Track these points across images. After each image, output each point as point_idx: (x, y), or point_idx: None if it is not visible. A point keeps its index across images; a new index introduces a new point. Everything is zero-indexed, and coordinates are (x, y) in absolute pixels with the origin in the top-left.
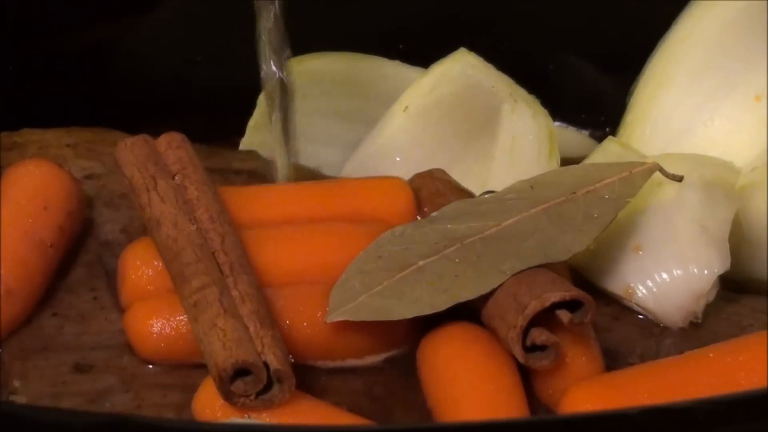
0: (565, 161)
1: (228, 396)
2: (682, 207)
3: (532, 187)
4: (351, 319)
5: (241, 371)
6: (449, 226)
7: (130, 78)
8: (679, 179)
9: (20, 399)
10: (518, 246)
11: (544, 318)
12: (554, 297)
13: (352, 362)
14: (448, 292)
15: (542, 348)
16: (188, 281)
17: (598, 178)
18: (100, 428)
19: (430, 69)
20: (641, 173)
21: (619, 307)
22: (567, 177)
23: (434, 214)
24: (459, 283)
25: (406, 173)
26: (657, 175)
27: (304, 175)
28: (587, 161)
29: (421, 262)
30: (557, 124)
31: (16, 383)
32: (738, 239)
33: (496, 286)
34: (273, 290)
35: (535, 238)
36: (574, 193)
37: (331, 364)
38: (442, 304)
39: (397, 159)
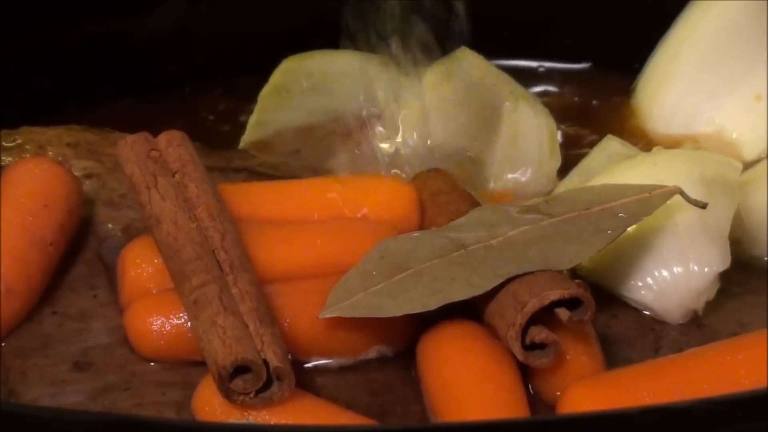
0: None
1: (227, 394)
2: (683, 204)
3: (547, 203)
4: (344, 315)
5: (241, 369)
6: (458, 234)
7: (130, 77)
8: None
9: (20, 398)
10: (520, 253)
11: (544, 316)
12: (553, 295)
13: (351, 359)
14: (441, 292)
15: (542, 346)
16: (188, 279)
17: (616, 197)
18: (100, 427)
19: (430, 69)
20: (660, 196)
21: (619, 305)
22: (585, 194)
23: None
24: (453, 284)
25: (407, 173)
26: (657, 173)
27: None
28: (586, 159)
29: (420, 266)
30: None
31: (16, 381)
32: (739, 234)
33: (489, 288)
34: (273, 288)
35: (539, 246)
36: (587, 209)
37: (330, 361)
38: (433, 303)
39: (398, 158)
